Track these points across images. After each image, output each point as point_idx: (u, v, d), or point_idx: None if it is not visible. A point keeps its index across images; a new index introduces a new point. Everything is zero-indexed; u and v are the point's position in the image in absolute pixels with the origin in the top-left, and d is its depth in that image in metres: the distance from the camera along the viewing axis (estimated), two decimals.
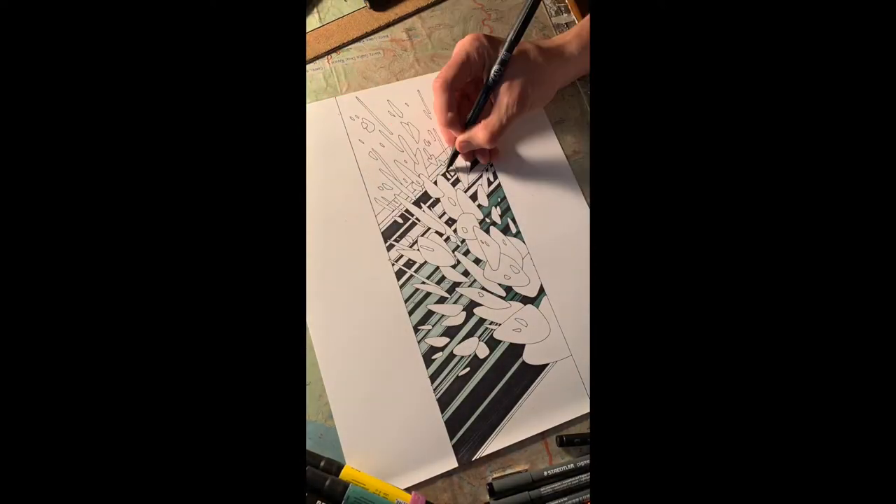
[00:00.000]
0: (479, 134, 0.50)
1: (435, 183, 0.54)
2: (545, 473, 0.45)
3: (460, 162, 0.54)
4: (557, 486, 0.44)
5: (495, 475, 0.46)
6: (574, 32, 0.53)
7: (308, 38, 0.57)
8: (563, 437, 0.46)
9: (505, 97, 0.49)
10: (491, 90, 0.50)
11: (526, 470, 0.46)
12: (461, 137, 0.51)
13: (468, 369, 0.48)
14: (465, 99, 0.53)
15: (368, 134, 0.54)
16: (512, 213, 0.53)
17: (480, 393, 0.47)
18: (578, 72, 0.55)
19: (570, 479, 0.45)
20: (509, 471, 0.46)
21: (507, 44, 0.48)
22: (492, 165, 0.54)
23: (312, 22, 0.58)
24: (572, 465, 0.45)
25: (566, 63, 0.52)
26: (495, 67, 0.49)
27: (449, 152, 0.54)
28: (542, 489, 0.44)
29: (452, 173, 0.54)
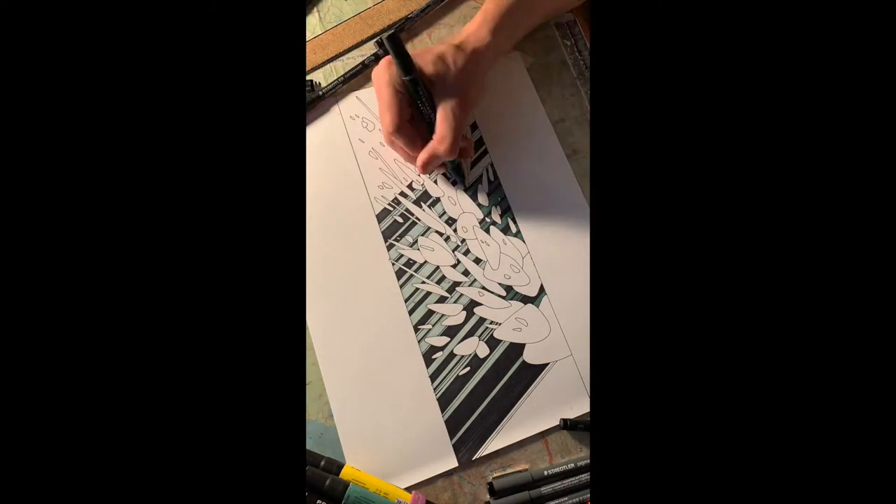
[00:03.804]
0: (440, 149, 0.47)
1: (435, 182, 0.54)
2: (545, 473, 0.45)
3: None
4: (557, 485, 0.44)
5: (495, 475, 0.46)
6: (479, 19, 0.51)
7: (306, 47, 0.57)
8: (568, 421, 0.46)
9: (446, 105, 0.47)
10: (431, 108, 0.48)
11: (526, 469, 0.46)
12: (422, 160, 0.48)
13: (468, 369, 0.48)
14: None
15: (369, 133, 0.54)
16: (512, 212, 0.53)
17: (480, 392, 0.47)
18: (498, 53, 0.52)
19: (570, 479, 0.45)
20: (509, 470, 0.46)
21: (402, 71, 0.46)
22: (492, 165, 0.54)
23: (312, 22, 0.58)
24: (572, 465, 0.45)
25: (486, 50, 0.50)
26: (415, 92, 0.47)
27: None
28: (542, 489, 0.44)
29: (450, 176, 0.54)
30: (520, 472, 0.46)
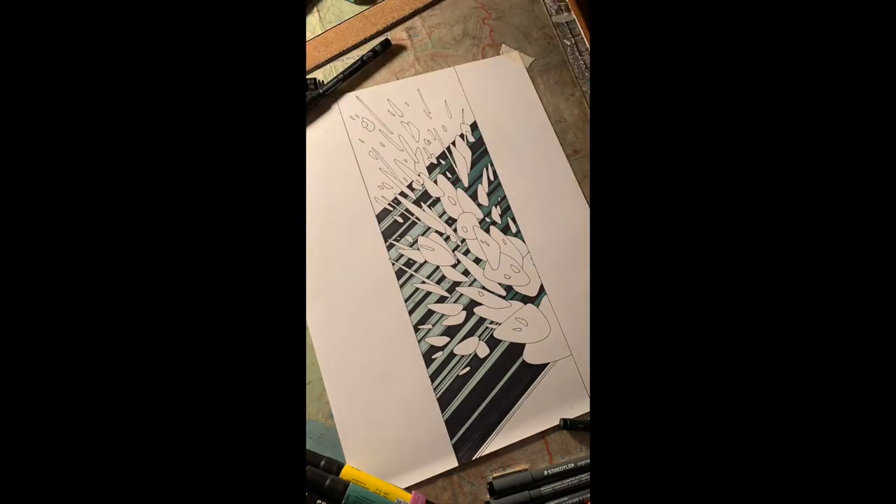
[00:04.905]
0: None
1: (435, 182, 0.54)
2: (545, 473, 0.45)
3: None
4: (557, 485, 0.44)
5: (495, 474, 0.46)
6: None
7: (307, 46, 0.57)
8: (568, 421, 0.46)
9: None
10: None
11: (526, 469, 0.46)
12: None
13: (468, 369, 0.48)
14: None
15: (368, 133, 0.54)
16: (512, 212, 0.53)
17: (481, 392, 0.47)
18: None
19: (570, 479, 0.45)
20: (509, 470, 0.46)
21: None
22: (492, 165, 0.54)
23: (312, 22, 0.58)
24: (572, 465, 0.45)
25: None
26: None
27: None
28: (542, 488, 0.44)
29: (451, 173, 0.54)
30: (520, 472, 0.46)
